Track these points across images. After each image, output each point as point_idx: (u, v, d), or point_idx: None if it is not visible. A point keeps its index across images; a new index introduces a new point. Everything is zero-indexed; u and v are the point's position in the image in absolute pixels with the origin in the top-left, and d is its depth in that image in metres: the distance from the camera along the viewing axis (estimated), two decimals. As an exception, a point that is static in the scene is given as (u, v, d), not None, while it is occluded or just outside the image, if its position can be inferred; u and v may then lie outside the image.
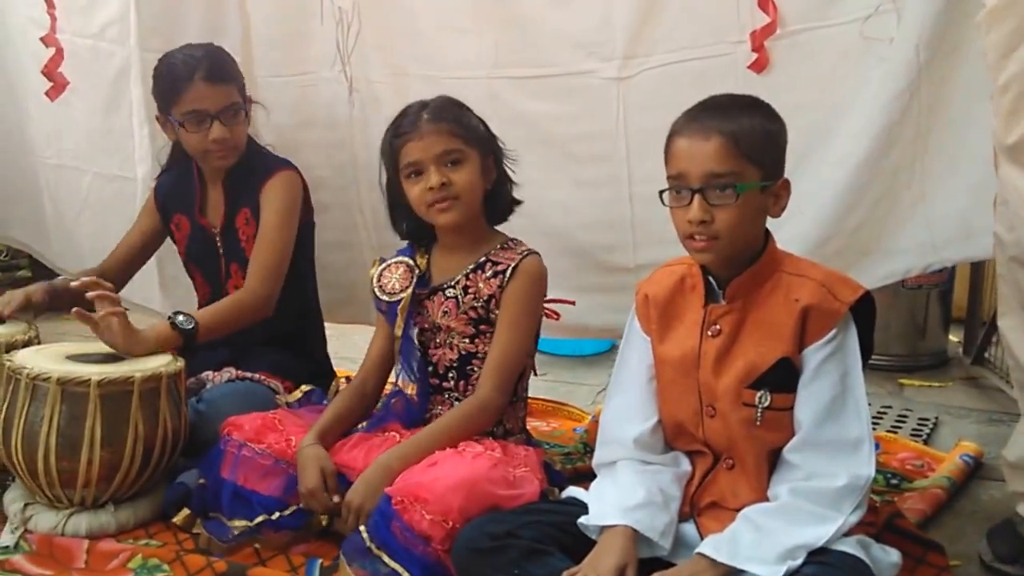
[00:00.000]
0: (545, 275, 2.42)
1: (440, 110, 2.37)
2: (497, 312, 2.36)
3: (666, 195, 2.02)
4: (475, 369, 2.39)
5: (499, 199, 2.46)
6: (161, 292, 3.13)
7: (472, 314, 2.38)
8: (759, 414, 2.00)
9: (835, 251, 2.64)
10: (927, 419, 3.37)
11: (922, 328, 3.99)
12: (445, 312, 2.40)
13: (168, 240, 3.01)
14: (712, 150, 1.94)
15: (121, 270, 2.96)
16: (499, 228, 2.50)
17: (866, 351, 2.04)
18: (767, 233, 2.06)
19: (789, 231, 2.56)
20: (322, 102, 3.08)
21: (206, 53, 2.72)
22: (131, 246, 2.97)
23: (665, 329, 2.14)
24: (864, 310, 2.02)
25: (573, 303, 2.57)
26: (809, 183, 2.58)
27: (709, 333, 2.05)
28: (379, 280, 2.47)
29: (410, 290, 2.41)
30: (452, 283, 2.41)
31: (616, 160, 2.80)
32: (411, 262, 2.46)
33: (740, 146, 1.94)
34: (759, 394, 2.00)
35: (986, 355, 3.83)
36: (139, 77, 3.08)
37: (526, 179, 2.52)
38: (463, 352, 2.40)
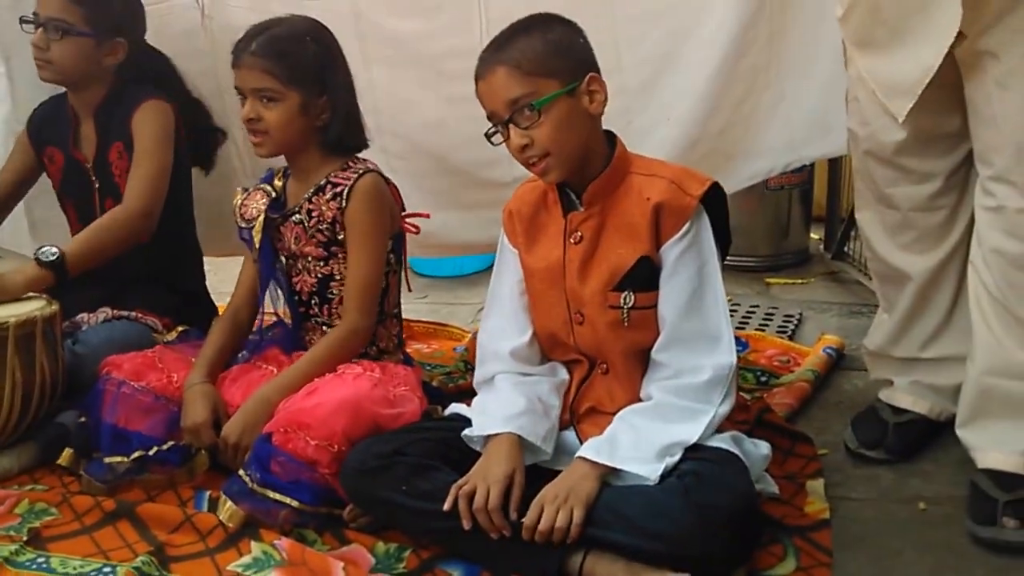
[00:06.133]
0: (384, 191, 2.39)
1: (268, 44, 2.30)
2: (344, 234, 2.36)
3: (495, 138, 2.07)
4: (335, 292, 2.40)
5: (334, 137, 2.39)
6: (31, 235, 3.02)
7: (320, 237, 2.37)
8: (625, 315, 2.06)
9: (702, 155, 2.68)
10: (792, 315, 3.44)
11: (785, 227, 4.05)
12: (296, 238, 2.40)
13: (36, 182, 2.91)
14: (501, 81, 1.99)
15: None
16: (371, 149, 2.48)
17: (722, 243, 2.10)
18: (614, 137, 2.11)
19: (657, 137, 2.61)
20: (179, 31, 2.96)
21: None
22: (3, 184, 2.86)
23: (531, 242, 2.18)
24: (716, 203, 2.07)
25: (428, 216, 2.54)
26: (674, 88, 2.60)
27: (572, 240, 2.10)
28: (241, 209, 2.44)
29: (262, 215, 2.40)
30: (298, 208, 2.40)
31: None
32: (268, 187, 2.44)
33: (523, 67, 1.98)
34: (623, 295, 2.06)
35: (845, 250, 3.90)
36: None
37: (402, 100, 2.48)
38: (320, 276, 2.40)
